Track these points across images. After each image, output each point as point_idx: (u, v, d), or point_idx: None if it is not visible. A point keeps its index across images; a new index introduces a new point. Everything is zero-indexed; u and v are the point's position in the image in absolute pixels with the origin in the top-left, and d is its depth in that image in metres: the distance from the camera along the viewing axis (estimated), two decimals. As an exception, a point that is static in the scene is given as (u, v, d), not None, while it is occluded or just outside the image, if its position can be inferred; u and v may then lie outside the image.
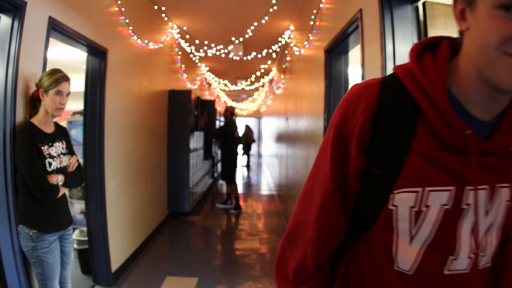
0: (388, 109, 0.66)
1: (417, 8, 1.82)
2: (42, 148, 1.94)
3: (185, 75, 6.52)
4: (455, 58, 0.67)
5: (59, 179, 1.98)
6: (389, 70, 1.77)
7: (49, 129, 2.03)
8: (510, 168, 0.68)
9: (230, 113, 6.48)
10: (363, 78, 2.11)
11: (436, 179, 0.65)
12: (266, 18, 4.47)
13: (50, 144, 2.00)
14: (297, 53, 4.62)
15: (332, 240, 0.74)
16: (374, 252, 0.71)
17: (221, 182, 9.46)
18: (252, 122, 17.74)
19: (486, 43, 0.58)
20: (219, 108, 10.74)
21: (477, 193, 0.65)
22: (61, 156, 2.07)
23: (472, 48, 0.62)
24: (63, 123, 2.97)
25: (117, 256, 3.38)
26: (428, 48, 0.70)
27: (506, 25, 0.56)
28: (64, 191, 2.04)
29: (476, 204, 0.66)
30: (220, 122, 10.00)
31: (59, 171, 2.01)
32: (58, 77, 1.96)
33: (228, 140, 6.44)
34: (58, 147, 2.06)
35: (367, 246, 0.73)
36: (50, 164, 1.96)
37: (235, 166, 6.58)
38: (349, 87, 3.04)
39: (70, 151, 2.16)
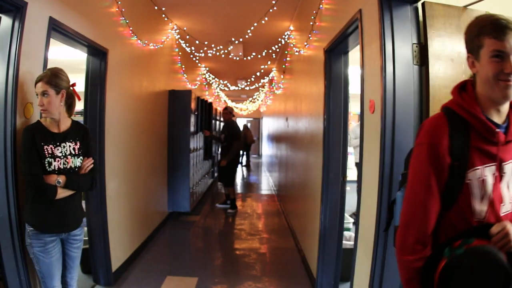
0: (455, 128, 1.17)
1: (416, 9, 1.82)
2: (45, 147, 1.92)
3: (185, 75, 6.53)
4: (475, 90, 1.20)
5: (58, 180, 1.93)
6: (389, 70, 1.78)
7: (57, 129, 2.00)
8: None
9: (229, 113, 6.45)
10: (362, 78, 2.12)
11: (487, 160, 1.16)
12: (266, 18, 4.48)
13: (57, 144, 1.97)
14: (297, 53, 4.63)
15: (434, 216, 1.18)
16: (463, 211, 1.16)
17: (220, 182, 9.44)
18: (252, 122, 17.74)
19: (488, 77, 1.12)
20: (219, 108, 10.73)
21: (508, 166, 1.18)
22: (69, 157, 2.00)
23: (481, 82, 1.16)
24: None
25: (117, 256, 3.39)
26: (461, 88, 1.23)
27: (498, 65, 1.10)
28: (65, 193, 1.96)
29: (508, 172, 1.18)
30: (220, 122, 10.00)
31: (62, 172, 1.96)
32: (35, 82, 1.96)
33: (232, 142, 6.34)
34: (67, 147, 2.01)
35: (457, 211, 1.17)
36: (50, 163, 1.92)
37: (235, 168, 6.54)
38: (349, 88, 3.05)
39: (85, 153, 2.10)
